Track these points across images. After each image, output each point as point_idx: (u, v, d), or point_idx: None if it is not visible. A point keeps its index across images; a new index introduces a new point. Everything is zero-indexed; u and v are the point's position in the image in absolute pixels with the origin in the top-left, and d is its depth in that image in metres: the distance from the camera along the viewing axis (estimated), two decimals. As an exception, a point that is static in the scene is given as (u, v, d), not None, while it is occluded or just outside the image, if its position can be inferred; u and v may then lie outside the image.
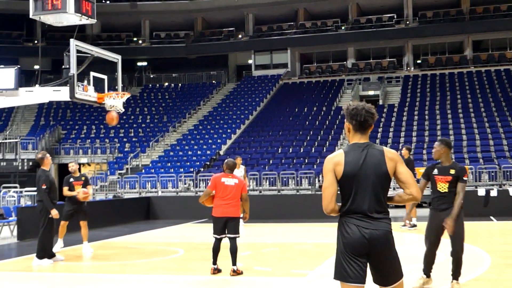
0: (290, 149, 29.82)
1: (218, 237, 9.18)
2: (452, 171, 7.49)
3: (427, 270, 7.85)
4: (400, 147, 28.31)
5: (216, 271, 9.24)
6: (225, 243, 9.15)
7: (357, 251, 4.22)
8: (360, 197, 4.23)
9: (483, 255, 10.64)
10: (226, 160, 9.62)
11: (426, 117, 32.24)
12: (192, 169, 27.99)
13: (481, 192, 19.38)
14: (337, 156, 4.33)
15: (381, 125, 31.93)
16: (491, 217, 18.22)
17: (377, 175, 4.25)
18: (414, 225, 16.02)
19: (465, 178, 7.55)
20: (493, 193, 19.27)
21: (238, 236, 9.23)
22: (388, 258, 4.31)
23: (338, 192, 4.41)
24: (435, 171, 7.62)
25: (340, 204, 4.34)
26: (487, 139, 28.32)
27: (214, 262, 9.25)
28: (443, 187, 7.50)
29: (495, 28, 40.31)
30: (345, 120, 4.47)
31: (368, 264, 4.30)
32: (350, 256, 4.23)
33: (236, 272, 9.10)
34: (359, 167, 4.24)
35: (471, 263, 9.99)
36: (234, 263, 9.13)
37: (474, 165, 24.33)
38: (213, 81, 44.19)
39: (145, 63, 47.70)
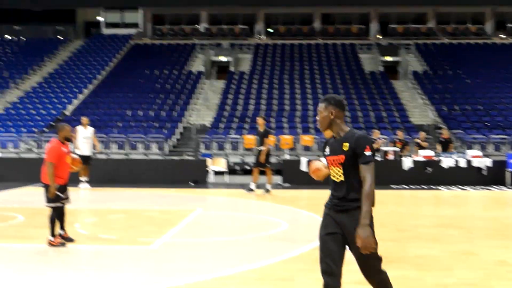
0: (140, 112, 29.27)
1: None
2: (346, 146, 4.63)
3: None
4: (250, 115, 28.84)
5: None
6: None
7: None
8: None
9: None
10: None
11: (275, 86, 33.00)
12: (35, 129, 26.61)
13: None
14: None
15: (231, 92, 32.23)
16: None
17: None
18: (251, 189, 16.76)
19: (367, 153, 4.54)
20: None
21: (47, 206, 8.87)
22: None
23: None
24: (327, 150, 4.81)
25: None
26: (331, 109, 29.47)
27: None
28: (336, 173, 4.70)
29: (342, 3, 41.99)
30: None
31: None
32: None
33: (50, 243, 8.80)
34: None
35: (313, 231, 10.37)
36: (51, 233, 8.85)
37: (319, 135, 25.38)
38: (60, 37, 42.10)
39: (-16, 13, 44.34)
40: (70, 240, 9.02)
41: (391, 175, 19.57)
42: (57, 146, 8.77)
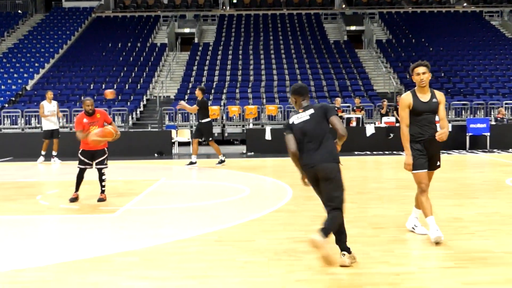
0: (103, 85, 28.97)
1: None
2: None
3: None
4: (214, 86, 28.77)
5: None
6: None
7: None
8: None
9: (286, 188, 11.23)
10: None
11: (240, 56, 32.92)
12: (-5, 105, 26.20)
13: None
14: None
15: (196, 64, 32.07)
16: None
17: None
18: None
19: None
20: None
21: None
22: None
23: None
24: None
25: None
26: (296, 79, 29.64)
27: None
28: None
29: (306, -27, 41.87)
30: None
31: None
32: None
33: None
34: None
35: (275, 196, 10.52)
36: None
37: (283, 105, 25.46)
38: (19, 11, 41.21)
39: None
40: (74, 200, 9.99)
41: (354, 142, 19.61)
42: (80, 117, 9.86)
